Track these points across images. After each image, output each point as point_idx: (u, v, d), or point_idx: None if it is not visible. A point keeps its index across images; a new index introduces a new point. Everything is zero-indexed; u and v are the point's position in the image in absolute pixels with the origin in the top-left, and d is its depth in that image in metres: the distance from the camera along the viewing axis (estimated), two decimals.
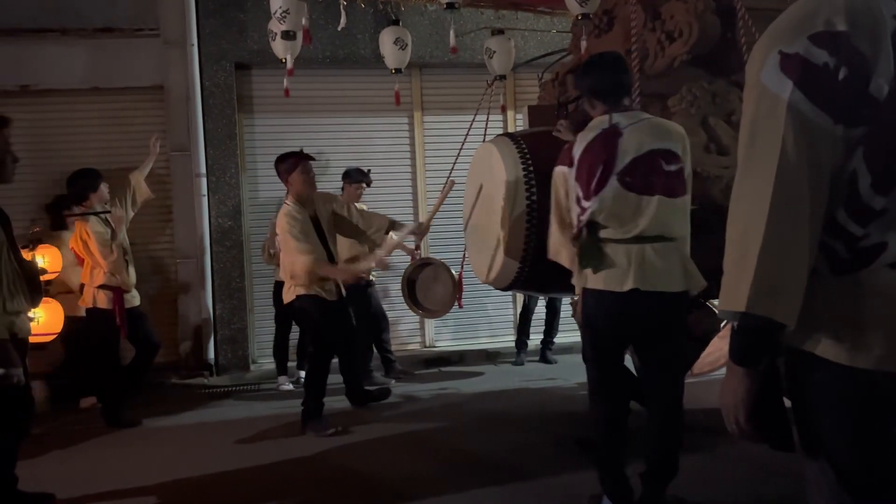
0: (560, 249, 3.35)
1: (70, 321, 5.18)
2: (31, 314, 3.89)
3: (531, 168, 3.89)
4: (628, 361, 3.50)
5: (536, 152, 3.91)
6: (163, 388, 6.37)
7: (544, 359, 7.00)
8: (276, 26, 4.95)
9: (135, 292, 5.50)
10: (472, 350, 7.41)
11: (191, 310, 6.91)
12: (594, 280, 3.16)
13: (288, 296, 5.05)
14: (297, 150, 5.10)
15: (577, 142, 3.23)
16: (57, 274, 5.51)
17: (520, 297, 7.39)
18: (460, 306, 5.54)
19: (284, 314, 6.09)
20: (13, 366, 3.31)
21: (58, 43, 6.68)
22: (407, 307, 5.55)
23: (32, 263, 3.99)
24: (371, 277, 6.28)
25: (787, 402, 1.52)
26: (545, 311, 6.97)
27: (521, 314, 7.12)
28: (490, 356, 7.31)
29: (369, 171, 6.36)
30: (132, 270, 5.46)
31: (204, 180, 6.85)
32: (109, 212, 5.39)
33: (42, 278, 4.10)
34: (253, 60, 7.01)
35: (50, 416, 5.54)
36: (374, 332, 6.38)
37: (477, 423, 5.09)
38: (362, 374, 5.86)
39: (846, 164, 1.39)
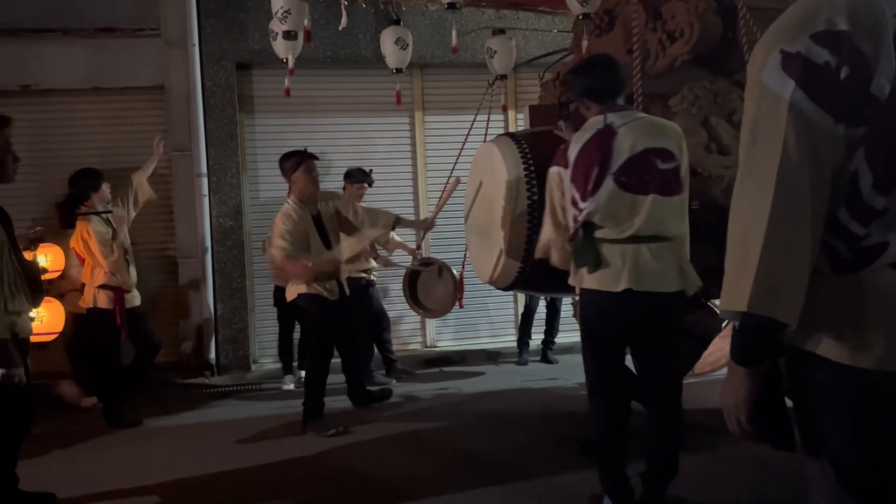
0: (550, 249, 3.36)
1: (79, 319, 5.21)
2: (33, 313, 3.90)
3: (532, 168, 3.89)
4: (629, 361, 3.49)
5: (537, 152, 3.91)
6: (164, 388, 6.37)
7: (545, 359, 7.00)
8: (277, 26, 4.95)
9: (135, 292, 5.50)
10: (473, 350, 7.41)
11: (192, 310, 6.91)
12: (589, 280, 3.17)
13: (290, 294, 5.06)
14: (302, 149, 5.11)
15: (572, 143, 3.24)
16: (59, 272, 5.53)
17: (521, 297, 7.39)
18: (461, 306, 5.54)
19: (287, 313, 6.09)
20: (14, 366, 3.31)
21: (58, 43, 6.69)
22: (408, 307, 5.55)
23: (34, 263, 4.00)
24: (372, 277, 6.28)
25: (789, 402, 1.52)
26: (545, 310, 6.97)
27: (522, 314, 7.12)
28: (491, 356, 7.31)
29: (371, 171, 6.36)
30: (133, 270, 5.46)
31: (205, 180, 6.85)
32: (111, 212, 5.40)
33: (44, 277, 4.11)
34: (254, 60, 7.01)
35: (51, 415, 5.54)
36: (375, 332, 6.38)
37: (478, 423, 5.09)
38: (363, 374, 5.85)
39: (847, 163, 1.39)
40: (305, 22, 4.95)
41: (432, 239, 7.08)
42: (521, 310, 7.27)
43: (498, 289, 4.38)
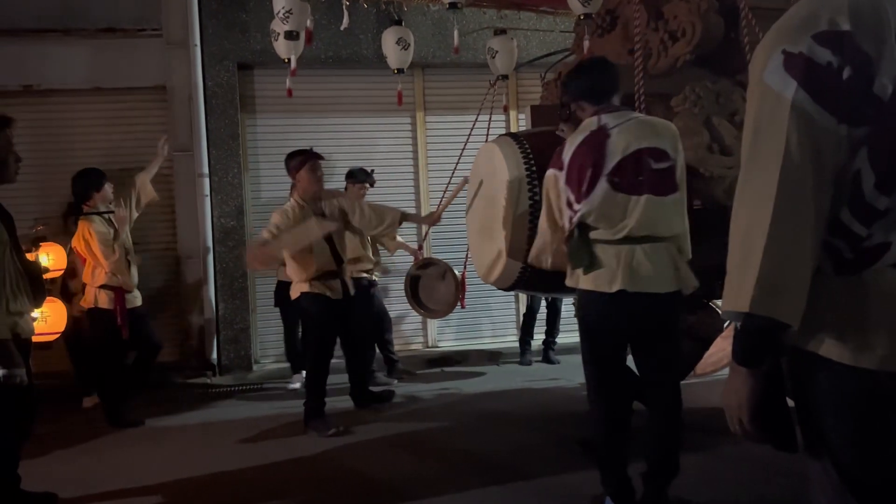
0: (541, 256, 3.37)
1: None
2: (36, 313, 3.90)
3: (534, 168, 3.88)
4: (631, 362, 3.49)
5: (539, 152, 3.90)
6: (165, 388, 6.37)
7: (547, 359, 7.00)
8: (279, 26, 4.95)
9: (136, 292, 5.50)
10: (475, 350, 7.40)
11: (193, 310, 6.92)
12: (585, 280, 3.18)
13: (294, 293, 5.08)
14: (308, 148, 5.12)
15: (567, 144, 3.25)
16: (61, 272, 5.52)
17: (523, 297, 7.39)
18: (463, 306, 5.53)
19: (290, 313, 6.09)
20: (15, 366, 3.31)
21: (60, 43, 6.69)
22: (410, 307, 5.55)
23: (36, 264, 3.99)
24: (374, 277, 6.28)
25: (791, 403, 1.52)
26: (546, 311, 6.97)
27: (524, 314, 7.12)
28: (493, 356, 7.30)
29: (372, 171, 6.35)
30: (134, 270, 5.46)
31: (206, 180, 6.85)
32: (113, 212, 5.40)
33: (46, 276, 4.11)
34: (255, 60, 7.02)
35: (52, 416, 5.54)
36: (376, 332, 6.37)
37: (479, 424, 5.08)
38: (366, 375, 5.85)
39: (850, 163, 1.38)
40: (307, 22, 4.96)
41: (434, 239, 7.08)
42: (522, 310, 7.27)
43: (499, 289, 4.38)
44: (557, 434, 4.70)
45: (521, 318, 7.22)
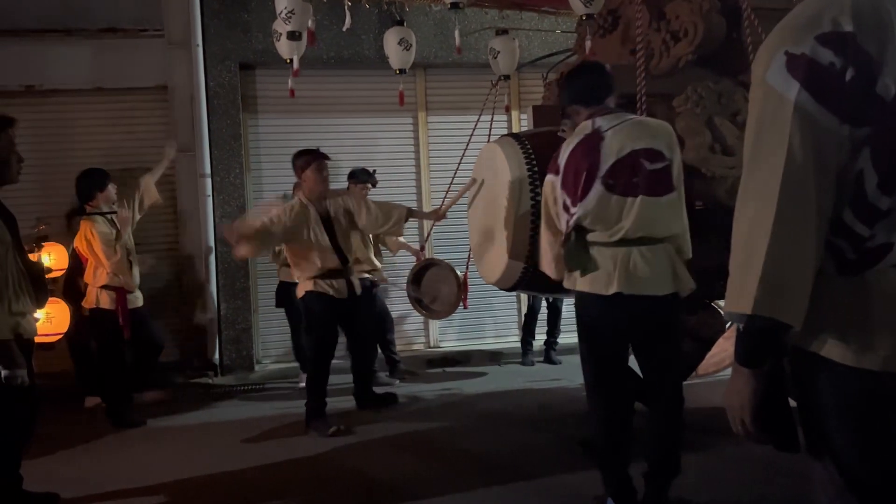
0: (549, 258, 3.37)
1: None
2: (40, 313, 3.90)
3: (535, 168, 3.88)
4: (633, 362, 3.49)
5: (541, 152, 3.90)
6: (167, 388, 6.36)
7: (548, 359, 7.00)
8: (281, 27, 4.95)
9: (138, 293, 5.51)
10: (477, 350, 7.40)
11: (195, 310, 6.91)
12: (582, 282, 3.18)
13: (299, 292, 5.09)
14: (315, 148, 5.13)
15: (562, 148, 3.25)
16: (63, 271, 5.52)
17: (524, 298, 7.38)
18: (465, 307, 5.53)
19: (295, 312, 6.08)
20: (17, 367, 3.32)
21: (62, 43, 6.69)
22: (412, 307, 5.54)
23: (38, 264, 4.00)
24: (375, 278, 6.27)
25: (793, 403, 1.52)
26: (547, 311, 6.97)
27: (526, 315, 7.12)
28: (495, 356, 7.30)
29: (374, 171, 6.35)
30: (136, 271, 5.46)
31: (208, 180, 6.85)
32: (115, 212, 5.40)
33: (48, 276, 4.12)
34: (257, 61, 7.02)
35: (54, 416, 5.54)
36: (378, 333, 6.37)
37: (481, 424, 5.08)
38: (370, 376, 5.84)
39: (852, 164, 1.38)
40: (309, 22, 4.95)
41: (436, 239, 7.08)
42: (524, 310, 7.27)
43: (501, 289, 4.37)
44: (559, 434, 4.70)
45: (523, 319, 7.22)
